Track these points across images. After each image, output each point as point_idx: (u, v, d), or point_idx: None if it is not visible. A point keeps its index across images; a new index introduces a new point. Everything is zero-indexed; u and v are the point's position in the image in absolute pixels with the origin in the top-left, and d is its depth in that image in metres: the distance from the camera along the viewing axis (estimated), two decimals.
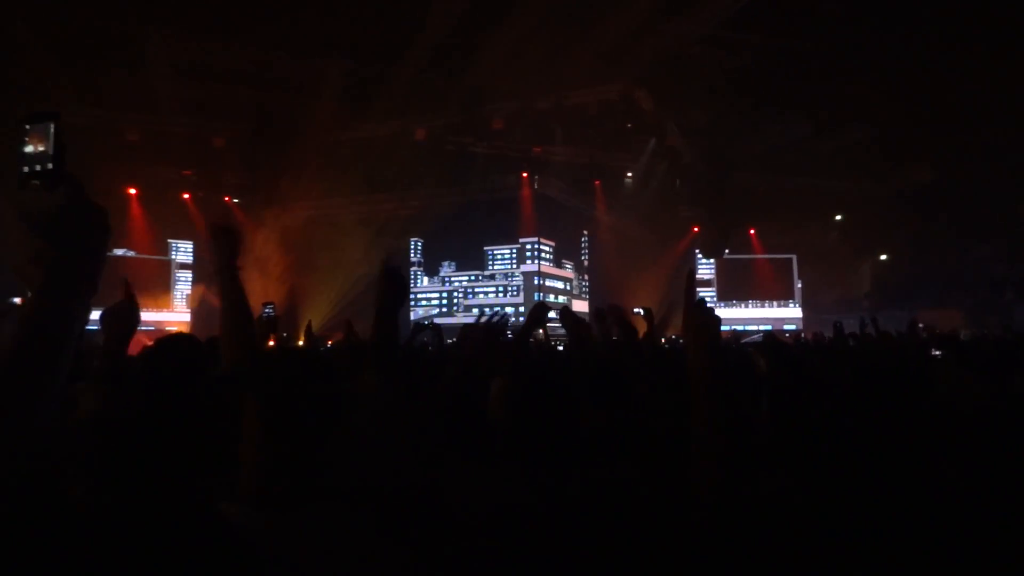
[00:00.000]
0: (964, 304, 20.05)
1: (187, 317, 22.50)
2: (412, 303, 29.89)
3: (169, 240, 22.90)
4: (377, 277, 1.94)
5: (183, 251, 23.41)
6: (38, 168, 0.88)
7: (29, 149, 0.88)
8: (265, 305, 4.17)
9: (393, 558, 1.24)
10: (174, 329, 20.28)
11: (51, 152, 0.88)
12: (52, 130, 0.89)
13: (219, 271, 1.99)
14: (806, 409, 2.14)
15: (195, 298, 22.61)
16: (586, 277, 31.75)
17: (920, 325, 6.09)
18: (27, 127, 0.89)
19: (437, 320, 28.82)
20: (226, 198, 20.53)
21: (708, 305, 1.64)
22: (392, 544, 1.26)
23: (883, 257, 23.11)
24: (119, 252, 20.21)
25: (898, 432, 1.90)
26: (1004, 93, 14.80)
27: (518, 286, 30.64)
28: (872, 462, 1.77)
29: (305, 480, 1.23)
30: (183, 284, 23.44)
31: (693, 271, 1.86)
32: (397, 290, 1.95)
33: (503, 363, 2.63)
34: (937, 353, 5.01)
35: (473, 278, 31.95)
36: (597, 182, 21.69)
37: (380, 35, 14.08)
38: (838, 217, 23.04)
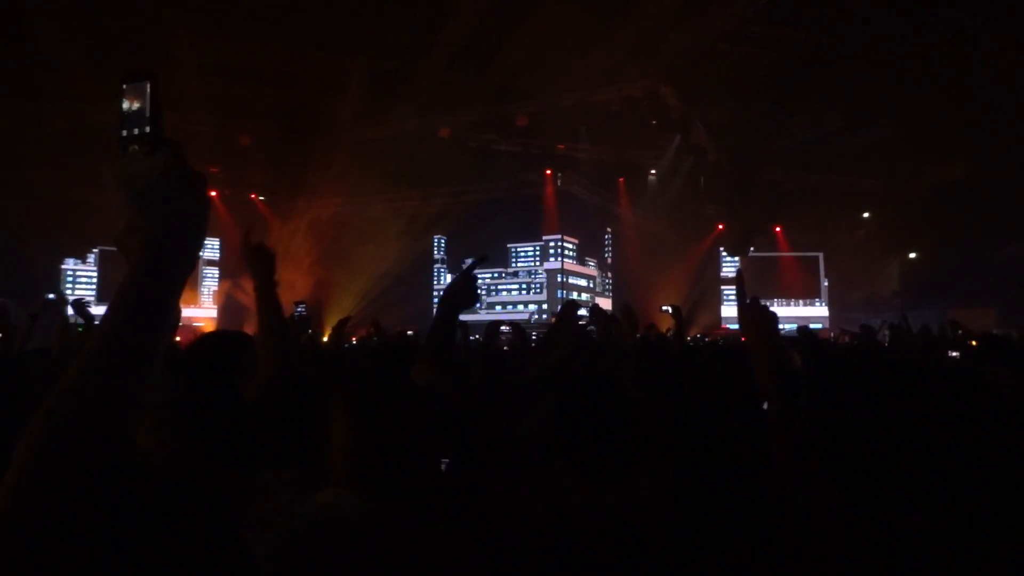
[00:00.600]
0: (996, 303, 19.63)
1: (214, 313, 22.81)
2: (435, 300, 30.00)
3: None
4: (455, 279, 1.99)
5: (210, 248, 23.70)
6: (136, 131, 0.82)
7: (125, 109, 0.83)
8: (297, 304, 4.25)
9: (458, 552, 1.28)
10: (201, 325, 20.57)
11: (147, 113, 0.83)
12: (148, 90, 0.83)
13: (257, 289, 2.10)
14: (842, 404, 2.11)
15: (221, 294, 22.92)
16: (609, 275, 31.62)
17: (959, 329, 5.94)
18: (124, 86, 0.84)
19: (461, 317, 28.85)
20: (252, 195, 20.78)
21: (763, 303, 1.66)
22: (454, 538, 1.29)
23: (912, 255, 22.72)
24: None
25: (934, 433, 1.86)
26: None
27: (541, 283, 30.58)
28: (906, 461, 1.74)
29: (391, 469, 1.27)
30: (210, 281, 23.75)
31: (741, 272, 1.88)
32: (466, 292, 1.99)
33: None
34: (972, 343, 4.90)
35: (496, 275, 31.93)
36: (621, 179, 21.60)
37: (405, 32, 14.14)
38: (866, 214, 22.70)
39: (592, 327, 3.68)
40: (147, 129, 0.82)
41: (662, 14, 13.35)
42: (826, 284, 24.09)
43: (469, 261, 2.03)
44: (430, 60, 14.89)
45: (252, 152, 18.48)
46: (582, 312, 3.42)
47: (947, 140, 16.68)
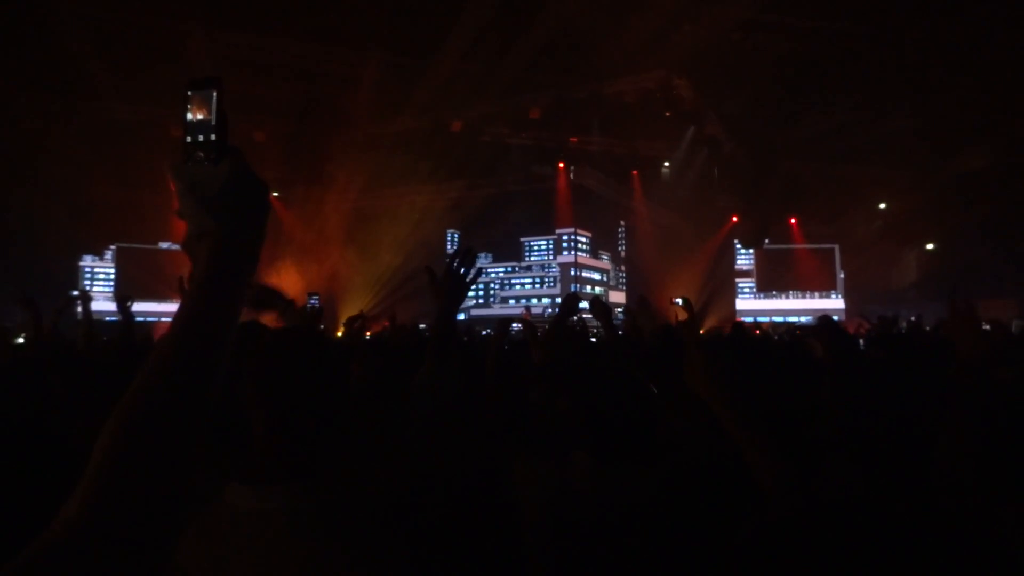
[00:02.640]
0: (1018, 294, 19.38)
1: None
2: None
3: None
4: (442, 274, 1.97)
5: None
6: (201, 138, 0.84)
7: (191, 117, 0.85)
8: (310, 296, 4.28)
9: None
10: None
11: (213, 121, 0.85)
12: (215, 98, 0.86)
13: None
14: (865, 394, 2.09)
15: None
16: (623, 268, 31.55)
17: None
18: (189, 93, 0.86)
19: (474, 312, 28.97)
20: None
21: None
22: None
23: (930, 246, 22.46)
24: (164, 245, 20.70)
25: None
26: None
27: (555, 277, 30.54)
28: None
29: (299, 459, 1.20)
30: None
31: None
32: (456, 288, 1.98)
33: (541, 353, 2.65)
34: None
35: (509, 269, 31.93)
36: (635, 172, 21.50)
37: (419, 26, 14.13)
38: (883, 205, 22.44)
39: (592, 319, 3.70)
40: (212, 137, 0.84)
41: (676, 4, 13.26)
42: (842, 276, 23.86)
43: (455, 258, 2.00)
44: (443, 53, 14.88)
45: (267, 147, 18.57)
46: (583, 305, 3.43)
47: (967, 129, 16.45)
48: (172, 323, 0.81)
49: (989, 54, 13.96)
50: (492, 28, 13.78)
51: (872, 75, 15.38)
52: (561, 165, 21.47)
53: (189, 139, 0.84)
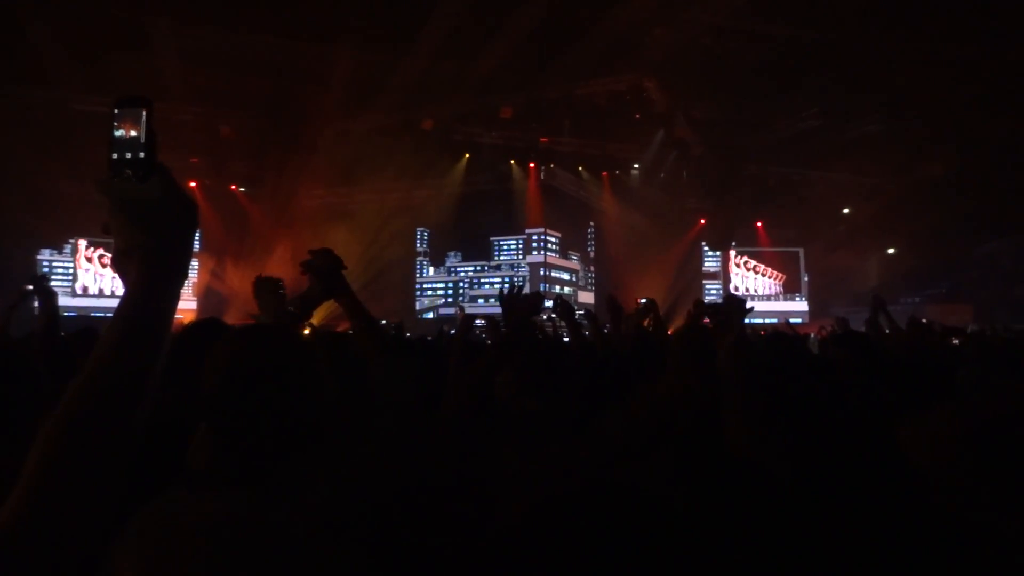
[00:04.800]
0: (974, 298, 19.92)
1: (193, 305, 22.56)
2: (418, 293, 29.89)
3: None
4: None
5: None
6: (128, 156, 0.84)
7: (119, 134, 0.85)
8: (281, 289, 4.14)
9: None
10: (180, 317, 20.35)
11: (142, 139, 0.85)
12: (144, 117, 0.86)
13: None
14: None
15: (201, 285, 22.67)
16: (592, 268, 31.68)
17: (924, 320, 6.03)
18: (116, 111, 0.86)
19: (443, 311, 28.84)
20: (232, 187, 20.55)
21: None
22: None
23: (891, 251, 22.96)
24: None
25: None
26: (1017, 87, 14.65)
27: (524, 277, 30.57)
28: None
29: (246, 464, 1.16)
30: (190, 272, 23.44)
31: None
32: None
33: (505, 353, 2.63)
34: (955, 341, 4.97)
35: (479, 268, 31.88)
36: (604, 173, 21.60)
37: (389, 23, 14.02)
38: (846, 210, 22.89)
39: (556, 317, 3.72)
40: (141, 155, 0.85)
41: (647, 7, 13.36)
42: (806, 279, 24.27)
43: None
44: (415, 51, 14.78)
45: (233, 143, 18.27)
46: (547, 304, 3.43)
47: (928, 137, 16.87)
48: (106, 334, 0.83)
49: (947, 67, 14.34)
50: (464, 26, 13.72)
51: (838, 83, 15.68)
52: (532, 165, 21.48)
53: (116, 156, 0.84)
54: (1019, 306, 18.89)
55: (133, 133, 0.85)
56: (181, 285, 0.89)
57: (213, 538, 1.06)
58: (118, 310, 0.84)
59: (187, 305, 22.43)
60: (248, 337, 1.30)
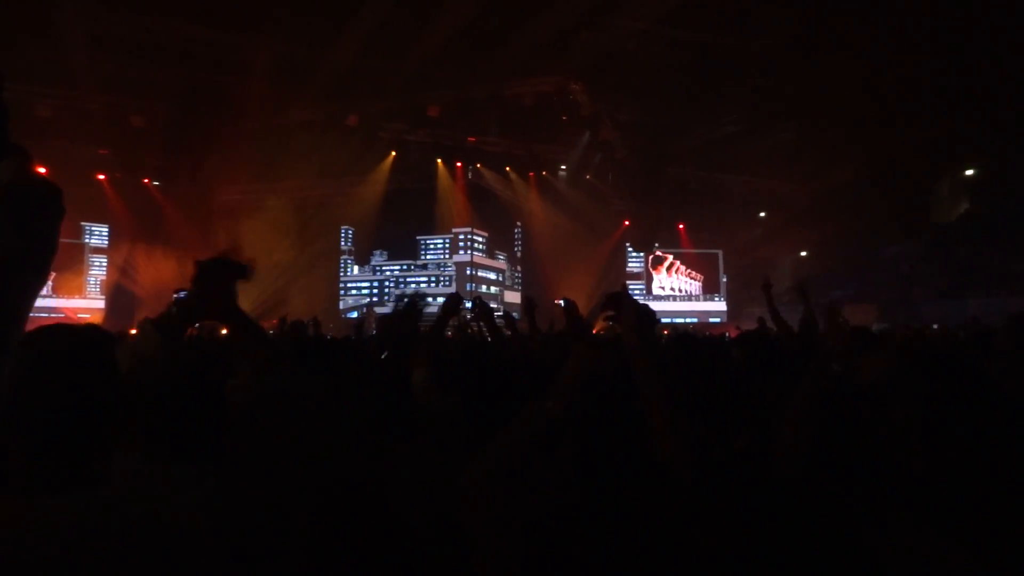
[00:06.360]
0: (878, 299, 21.06)
1: (101, 304, 21.45)
2: (342, 292, 29.36)
3: (82, 223, 21.75)
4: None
5: (97, 235, 22.27)
6: None
7: None
8: (176, 292, 3.93)
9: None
10: (87, 317, 19.31)
11: None
12: None
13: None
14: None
15: (109, 284, 21.58)
16: (519, 268, 31.86)
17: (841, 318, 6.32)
18: None
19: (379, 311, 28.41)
20: (145, 180, 19.59)
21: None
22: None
23: (803, 253, 24.03)
24: None
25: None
26: (917, 104, 15.59)
27: (451, 276, 30.45)
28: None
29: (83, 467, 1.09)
30: (97, 270, 22.28)
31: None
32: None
33: (423, 353, 2.60)
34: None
35: (405, 268, 31.58)
36: (531, 174, 21.75)
37: (314, 14, 13.66)
38: (762, 214, 23.82)
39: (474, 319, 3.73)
40: None
41: (575, 11, 13.51)
42: (725, 280, 25.12)
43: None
44: (341, 44, 14.45)
45: (146, 134, 17.39)
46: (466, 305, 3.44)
47: (838, 145, 17.73)
48: None
49: (860, 78, 15.09)
50: (393, 21, 13.52)
51: (756, 91, 16.29)
52: (459, 164, 21.42)
53: None
54: (916, 306, 20.11)
55: None
56: (38, 285, 0.77)
57: (61, 546, 0.99)
58: None
59: (95, 304, 21.34)
60: (26, 340, 1.20)
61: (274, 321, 8.43)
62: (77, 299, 21.10)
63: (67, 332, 1.20)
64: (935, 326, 13.26)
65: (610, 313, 1.74)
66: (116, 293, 20.64)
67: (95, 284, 22.17)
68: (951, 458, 1.36)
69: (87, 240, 22.15)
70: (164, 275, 17.76)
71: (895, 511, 1.33)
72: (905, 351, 4.41)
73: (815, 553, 1.35)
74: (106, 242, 22.30)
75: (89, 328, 1.28)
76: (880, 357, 2.84)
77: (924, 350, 4.94)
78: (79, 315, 18.95)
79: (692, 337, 4.54)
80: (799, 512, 1.43)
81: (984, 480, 1.31)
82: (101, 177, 19.03)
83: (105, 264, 22.23)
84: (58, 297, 20.30)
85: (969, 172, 19.99)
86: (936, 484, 1.36)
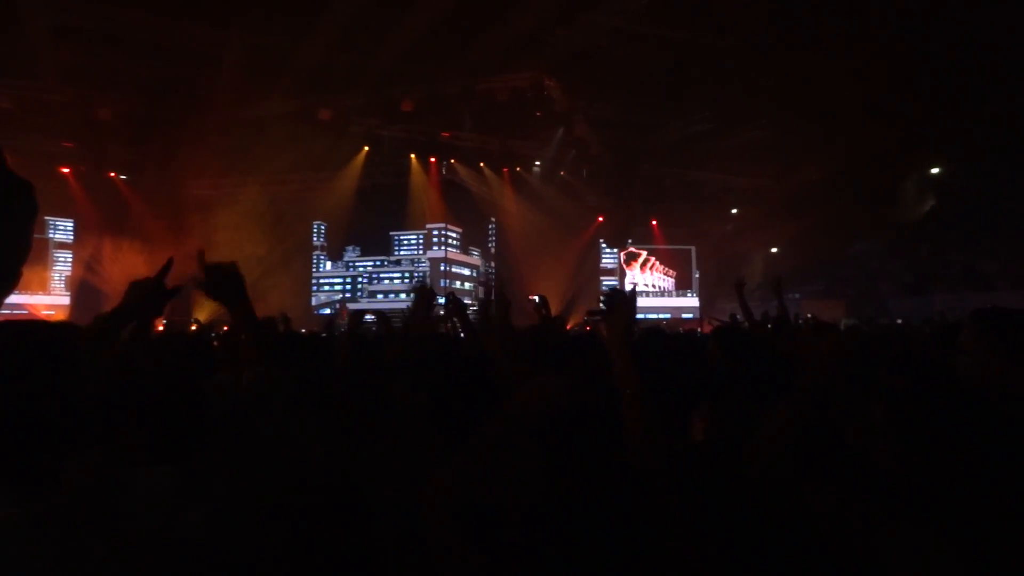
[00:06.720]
0: (846, 295, 21.45)
1: (66, 300, 21.02)
2: (314, 288, 29.11)
3: (46, 217, 21.27)
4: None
5: (62, 229, 21.81)
6: None
7: None
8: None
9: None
10: (51, 313, 18.91)
11: None
12: None
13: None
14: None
15: (75, 280, 21.16)
16: (493, 264, 31.87)
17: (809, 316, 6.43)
18: None
19: (352, 305, 28.21)
20: (111, 174, 19.20)
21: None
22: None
23: (774, 250, 24.36)
24: None
25: None
26: (886, 103, 15.86)
27: (424, 272, 30.35)
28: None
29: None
30: (62, 265, 21.83)
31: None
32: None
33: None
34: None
35: (378, 263, 31.40)
36: (505, 169, 21.73)
37: (286, 6, 13.46)
38: (734, 211, 24.09)
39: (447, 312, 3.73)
40: None
41: (549, 7, 13.51)
42: (697, 276, 25.37)
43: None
44: (313, 37, 14.28)
45: (112, 127, 17.03)
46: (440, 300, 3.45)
47: (807, 144, 17.99)
48: None
49: (830, 76, 15.31)
50: (366, 14, 13.39)
51: (727, 89, 16.44)
52: (433, 159, 21.31)
53: None
54: (883, 302, 20.53)
55: None
56: (11, 286, 0.72)
57: None
58: None
59: (60, 300, 20.91)
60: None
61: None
62: (41, 295, 20.65)
63: (27, 330, 1.17)
64: (899, 320, 13.58)
65: (597, 309, 1.75)
66: (82, 289, 20.24)
67: (60, 280, 21.73)
68: (916, 452, 1.38)
69: (51, 235, 21.68)
70: (132, 270, 17.43)
71: (863, 504, 1.35)
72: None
73: (787, 548, 1.37)
74: (71, 237, 21.85)
75: (57, 326, 1.24)
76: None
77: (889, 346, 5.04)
78: (43, 312, 18.56)
79: (662, 332, 4.59)
80: (772, 507, 1.45)
81: (950, 473, 1.34)
82: (66, 171, 18.61)
83: (70, 260, 21.78)
84: (21, 293, 19.84)
85: (935, 171, 20.41)
86: (902, 478, 1.39)
